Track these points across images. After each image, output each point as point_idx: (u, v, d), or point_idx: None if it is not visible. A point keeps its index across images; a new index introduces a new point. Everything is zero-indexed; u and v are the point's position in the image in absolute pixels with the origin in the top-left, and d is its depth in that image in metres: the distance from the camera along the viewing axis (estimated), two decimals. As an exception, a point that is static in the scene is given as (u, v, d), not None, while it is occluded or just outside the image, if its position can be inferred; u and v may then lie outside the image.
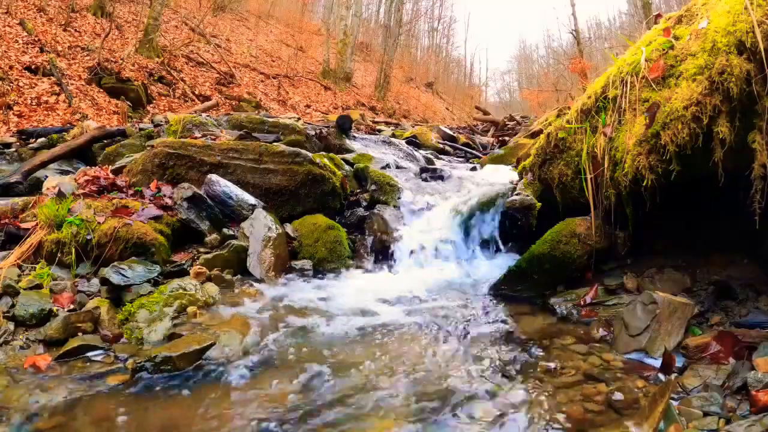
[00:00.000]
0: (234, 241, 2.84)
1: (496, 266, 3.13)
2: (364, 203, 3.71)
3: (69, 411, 1.57)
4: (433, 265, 3.18)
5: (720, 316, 2.08)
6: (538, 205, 3.03)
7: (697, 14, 2.19)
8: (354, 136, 5.72)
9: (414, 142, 6.37)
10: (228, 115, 5.66)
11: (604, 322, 2.22)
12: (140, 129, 5.25)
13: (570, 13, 21.17)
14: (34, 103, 7.24)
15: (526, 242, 2.79)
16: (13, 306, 2.04)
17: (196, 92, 10.68)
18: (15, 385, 1.68)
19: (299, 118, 7.99)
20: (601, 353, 1.97)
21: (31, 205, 2.77)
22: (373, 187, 3.81)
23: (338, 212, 3.59)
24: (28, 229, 2.52)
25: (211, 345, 1.95)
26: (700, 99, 1.92)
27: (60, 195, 2.74)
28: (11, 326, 1.96)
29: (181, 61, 11.81)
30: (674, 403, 1.52)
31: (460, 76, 38.59)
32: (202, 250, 2.84)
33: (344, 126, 5.48)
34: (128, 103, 8.37)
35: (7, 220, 2.64)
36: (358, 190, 3.91)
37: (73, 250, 2.40)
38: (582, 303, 2.42)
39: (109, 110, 8.07)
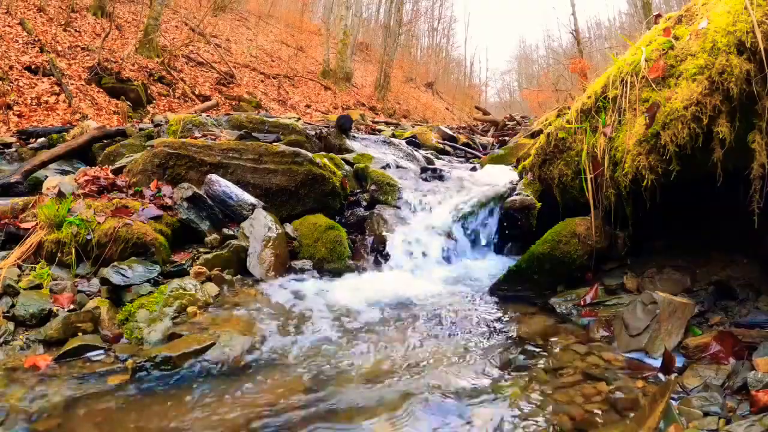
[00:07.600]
0: (234, 241, 2.84)
1: (496, 266, 3.13)
2: (364, 203, 3.71)
3: (69, 411, 1.57)
4: (432, 264, 3.18)
5: (720, 316, 2.08)
6: (538, 205, 3.04)
7: (697, 14, 2.20)
8: (354, 136, 5.71)
9: (414, 142, 6.36)
10: (228, 115, 5.65)
11: (604, 322, 2.22)
12: (140, 129, 5.23)
13: (570, 13, 21.14)
14: (34, 103, 7.23)
15: (526, 242, 2.79)
16: (13, 306, 2.04)
17: (196, 92, 10.67)
18: (15, 385, 1.68)
19: (299, 118, 7.99)
20: (601, 353, 1.97)
21: (31, 205, 2.77)
22: (373, 187, 3.81)
23: (338, 212, 3.59)
24: (28, 229, 2.52)
25: (211, 345, 1.95)
26: (700, 99, 1.92)
27: (60, 195, 2.74)
28: (11, 326, 1.96)
29: (181, 61, 11.80)
30: (674, 403, 1.52)
31: (460, 76, 38.56)
32: (202, 250, 2.84)
33: (344, 126, 5.48)
34: (128, 103, 8.36)
35: (7, 220, 2.64)
36: (358, 190, 3.91)
37: (73, 250, 2.40)
38: (582, 303, 2.42)
39: (109, 110, 8.07)
